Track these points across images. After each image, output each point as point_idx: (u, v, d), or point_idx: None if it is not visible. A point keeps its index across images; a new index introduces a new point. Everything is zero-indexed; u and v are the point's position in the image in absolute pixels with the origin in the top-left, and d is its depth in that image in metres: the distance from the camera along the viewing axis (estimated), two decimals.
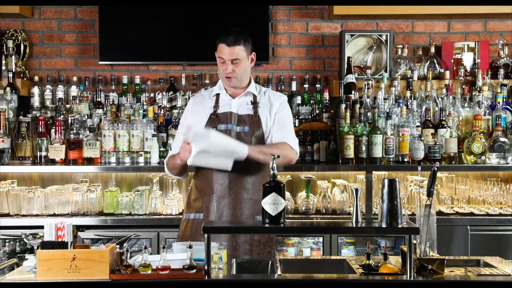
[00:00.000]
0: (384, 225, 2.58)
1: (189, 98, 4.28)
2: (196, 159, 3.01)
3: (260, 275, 2.78)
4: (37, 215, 4.20)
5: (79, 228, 4.11)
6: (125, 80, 4.74)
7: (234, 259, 2.88)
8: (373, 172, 4.28)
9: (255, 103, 3.27)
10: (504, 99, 4.42)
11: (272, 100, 3.32)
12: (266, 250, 3.17)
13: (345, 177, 4.59)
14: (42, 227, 2.58)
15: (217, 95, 3.31)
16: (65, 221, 2.55)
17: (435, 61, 4.68)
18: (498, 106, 4.40)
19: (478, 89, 4.50)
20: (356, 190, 2.65)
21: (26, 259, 3.20)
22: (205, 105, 3.31)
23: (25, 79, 4.74)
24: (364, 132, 4.26)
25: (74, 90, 4.63)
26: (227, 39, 3.18)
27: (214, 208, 3.17)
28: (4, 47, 4.69)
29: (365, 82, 4.53)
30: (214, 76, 4.76)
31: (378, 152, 4.26)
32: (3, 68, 4.65)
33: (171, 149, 3.45)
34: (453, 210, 4.28)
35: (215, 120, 3.23)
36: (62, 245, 2.50)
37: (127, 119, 4.36)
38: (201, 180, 3.24)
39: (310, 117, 4.58)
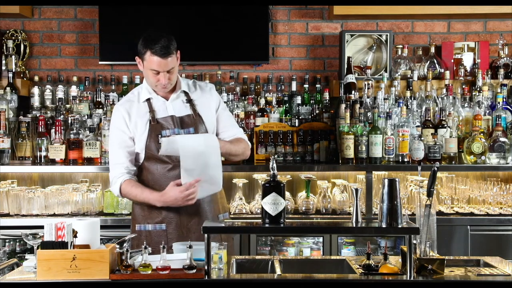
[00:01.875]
0: (384, 225, 2.58)
1: None
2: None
3: (260, 275, 2.78)
4: (37, 215, 4.20)
5: None
6: (125, 80, 4.74)
7: (234, 259, 2.88)
8: (373, 172, 4.28)
9: (190, 101, 3.18)
10: (504, 99, 4.42)
11: (205, 92, 3.25)
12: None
13: (345, 177, 4.59)
14: (42, 227, 2.57)
15: (148, 100, 3.16)
16: (65, 221, 2.54)
17: (435, 61, 4.68)
18: (498, 106, 4.40)
19: (478, 89, 4.50)
20: (356, 190, 2.65)
21: (26, 259, 3.20)
22: (138, 111, 3.15)
23: (25, 79, 4.74)
24: (364, 132, 4.26)
25: (74, 90, 4.63)
26: (157, 50, 3.00)
27: (177, 217, 3.09)
28: (4, 47, 4.69)
29: (365, 82, 4.54)
30: (214, 76, 4.76)
31: (378, 152, 4.25)
32: (3, 68, 4.65)
33: (112, 166, 3.17)
34: (453, 210, 4.28)
35: (157, 127, 3.10)
36: (62, 245, 2.50)
37: None
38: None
39: (310, 117, 4.58)
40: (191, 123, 3.14)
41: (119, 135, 3.16)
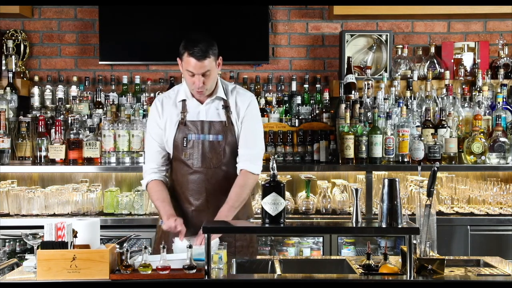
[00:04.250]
0: (384, 225, 2.58)
1: None
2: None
3: (260, 275, 2.78)
4: (37, 215, 4.20)
5: None
6: (125, 80, 4.74)
7: (234, 259, 2.88)
8: (373, 172, 4.28)
9: (227, 108, 3.12)
10: (504, 99, 4.42)
11: (239, 102, 3.15)
12: (249, 251, 3.17)
13: (345, 177, 4.59)
14: (42, 227, 2.57)
15: (183, 101, 3.14)
16: (65, 221, 2.54)
17: (435, 61, 4.68)
18: (498, 106, 4.40)
19: (478, 89, 4.50)
20: (356, 190, 2.65)
21: (26, 259, 3.20)
22: (172, 109, 3.15)
23: (25, 79, 4.74)
24: (364, 132, 4.26)
25: (74, 90, 4.63)
26: (195, 52, 2.96)
27: (192, 221, 3.08)
28: (4, 47, 4.69)
29: (365, 82, 4.54)
30: None
31: (378, 152, 4.25)
32: (3, 68, 4.65)
33: (145, 159, 3.25)
34: (453, 210, 4.28)
35: (184, 129, 3.10)
36: (62, 245, 2.50)
37: (127, 119, 4.36)
38: (177, 190, 3.14)
39: (310, 117, 4.58)
40: (221, 130, 3.10)
41: (153, 127, 3.18)
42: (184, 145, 3.09)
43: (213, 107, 3.14)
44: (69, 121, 4.40)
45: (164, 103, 3.18)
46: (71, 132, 4.33)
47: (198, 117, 3.12)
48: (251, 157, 3.11)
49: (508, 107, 4.45)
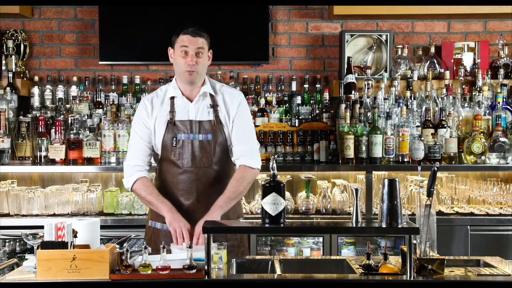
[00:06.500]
0: (384, 225, 2.58)
1: None
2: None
3: (260, 275, 2.78)
4: (37, 215, 4.20)
5: None
6: (125, 80, 4.74)
7: (234, 259, 2.88)
8: (373, 172, 4.28)
9: (214, 106, 3.12)
10: (504, 99, 4.42)
11: (228, 101, 3.15)
12: (240, 251, 3.17)
13: (345, 177, 4.60)
14: (42, 227, 2.57)
15: (172, 98, 3.14)
16: (65, 221, 2.54)
17: (435, 61, 4.69)
18: (498, 106, 4.40)
19: (478, 89, 4.50)
20: (356, 190, 2.65)
21: (26, 259, 3.20)
22: (161, 108, 3.14)
23: (25, 79, 4.74)
24: (364, 132, 4.26)
25: (74, 90, 4.63)
26: (189, 30, 3.07)
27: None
28: (4, 47, 4.69)
29: (365, 82, 4.54)
30: (214, 76, 4.76)
31: (378, 152, 4.26)
32: (3, 68, 4.65)
33: (129, 156, 3.17)
34: (453, 210, 4.28)
35: (174, 128, 3.08)
36: (62, 245, 2.50)
37: (127, 119, 4.36)
38: (167, 191, 3.11)
39: (310, 117, 4.58)
40: (210, 129, 3.10)
41: (140, 127, 3.15)
42: (174, 145, 3.08)
43: (202, 106, 3.13)
44: (69, 121, 4.40)
45: (153, 103, 3.16)
46: (71, 132, 4.33)
47: (187, 117, 3.11)
48: (249, 152, 3.12)
49: (508, 107, 4.45)
